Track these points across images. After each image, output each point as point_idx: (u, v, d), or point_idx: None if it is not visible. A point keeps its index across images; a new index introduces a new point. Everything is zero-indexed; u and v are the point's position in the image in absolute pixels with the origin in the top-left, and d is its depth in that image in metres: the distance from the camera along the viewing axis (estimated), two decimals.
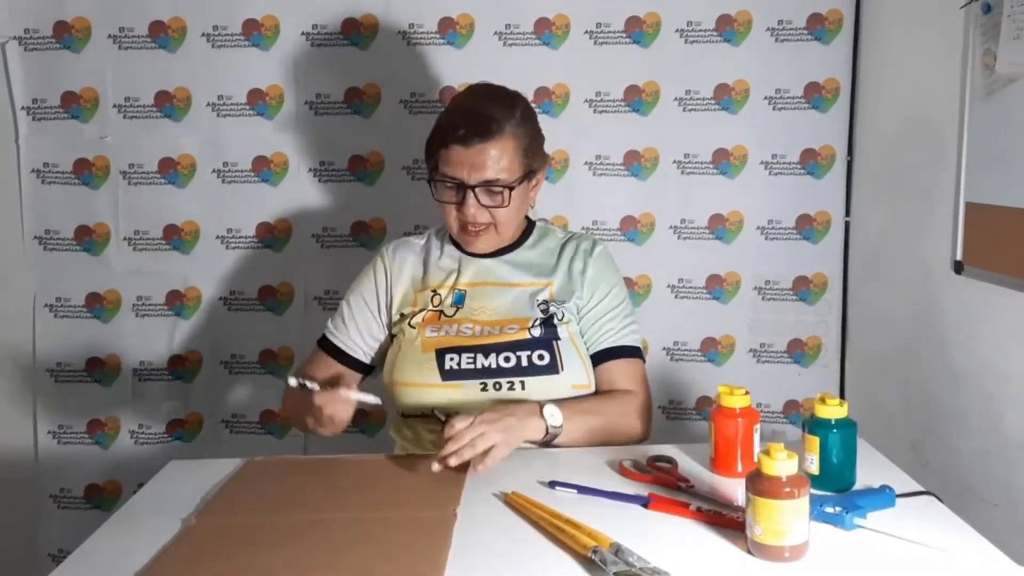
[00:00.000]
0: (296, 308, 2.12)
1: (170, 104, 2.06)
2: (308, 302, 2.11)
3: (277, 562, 1.06)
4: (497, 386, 1.48)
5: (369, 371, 1.64)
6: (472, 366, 1.49)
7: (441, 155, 1.51)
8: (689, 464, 1.34)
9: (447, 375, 1.49)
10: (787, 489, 1.02)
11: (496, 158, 1.49)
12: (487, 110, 1.50)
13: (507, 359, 1.50)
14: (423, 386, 1.50)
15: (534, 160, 1.56)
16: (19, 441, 2.15)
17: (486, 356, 1.50)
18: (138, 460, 2.11)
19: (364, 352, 1.63)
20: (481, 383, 1.48)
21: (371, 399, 1.41)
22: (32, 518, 2.16)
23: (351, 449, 1.55)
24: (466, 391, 1.48)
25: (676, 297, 2.11)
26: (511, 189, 1.51)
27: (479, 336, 1.52)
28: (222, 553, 1.09)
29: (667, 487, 1.25)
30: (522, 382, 1.49)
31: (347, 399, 1.39)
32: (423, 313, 1.56)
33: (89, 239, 2.11)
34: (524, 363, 1.49)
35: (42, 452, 2.15)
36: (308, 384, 1.39)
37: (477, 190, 1.50)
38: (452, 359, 1.50)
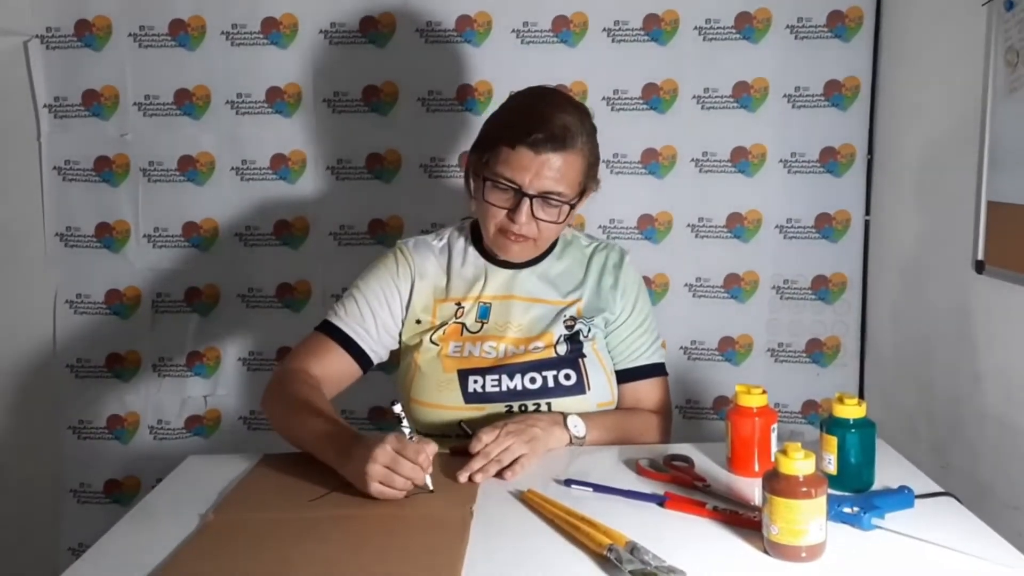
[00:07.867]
0: (314, 306, 2.12)
1: (189, 102, 2.07)
2: (326, 299, 2.10)
3: (294, 558, 1.06)
4: (523, 408, 1.45)
5: (366, 370, 1.54)
6: (497, 388, 1.45)
7: (501, 153, 1.41)
8: (706, 463, 1.33)
9: (471, 398, 1.45)
10: (804, 489, 1.02)
11: (563, 171, 1.40)
12: (562, 119, 1.40)
13: (532, 380, 1.46)
14: (445, 408, 1.46)
15: (591, 180, 1.49)
16: (40, 436, 2.17)
17: (511, 377, 1.46)
18: (157, 455, 2.12)
19: (374, 349, 1.53)
20: (506, 406, 1.45)
21: (430, 485, 1.22)
22: (52, 512, 2.17)
23: None
24: (490, 413, 1.44)
25: (694, 296, 2.11)
26: (570, 206, 1.44)
27: (503, 357, 1.48)
28: (240, 549, 1.09)
29: (683, 486, 1.24)
30: (548, 403, 1.46)
31: (423, 481, 1.21)
32: (445, 327, 1.50)
33: (109, 236, 2.12)
34: (550, 384, 1.46)
35: (62, 447, 2.17)
36: (406, 426, 1.23)
37: (534, 200, 1.41)
38: (476, 381, 1.45)
